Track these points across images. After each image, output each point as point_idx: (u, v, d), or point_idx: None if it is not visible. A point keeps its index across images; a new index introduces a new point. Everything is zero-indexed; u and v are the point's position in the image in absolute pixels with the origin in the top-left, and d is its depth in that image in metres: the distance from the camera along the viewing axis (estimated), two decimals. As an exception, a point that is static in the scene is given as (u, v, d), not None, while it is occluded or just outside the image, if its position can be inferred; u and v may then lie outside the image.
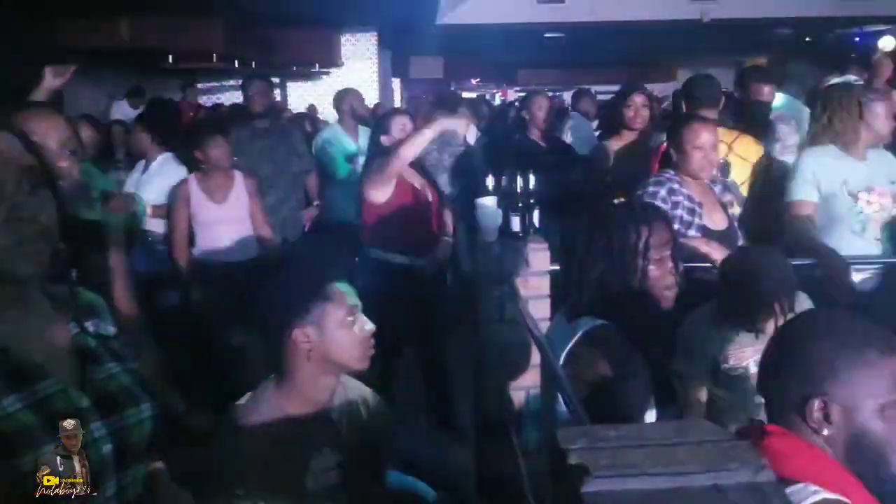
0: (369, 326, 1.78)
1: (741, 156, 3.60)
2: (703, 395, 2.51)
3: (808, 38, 12.65)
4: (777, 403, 1.37)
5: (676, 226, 2.89)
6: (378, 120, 4.17)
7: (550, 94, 9.52)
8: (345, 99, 5.20)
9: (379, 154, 3.73)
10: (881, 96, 3.31)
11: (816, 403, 1.31)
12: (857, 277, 3.12)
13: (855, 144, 3.20)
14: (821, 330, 1.35)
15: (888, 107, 3.25)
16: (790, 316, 2.39)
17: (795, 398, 1.33)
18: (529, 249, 2.80)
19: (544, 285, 2.72)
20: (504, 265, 2.80)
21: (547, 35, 12.31)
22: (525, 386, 2.68)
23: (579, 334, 1.92)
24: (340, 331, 1.73)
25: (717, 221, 3.06)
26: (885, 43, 11.66)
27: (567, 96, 13.70)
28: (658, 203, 2.90)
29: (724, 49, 14.42)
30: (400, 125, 3.73)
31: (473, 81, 16.85)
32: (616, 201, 2.95)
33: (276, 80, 9.95)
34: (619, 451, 1.16)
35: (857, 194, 3.15)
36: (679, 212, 2.93)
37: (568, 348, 1.92)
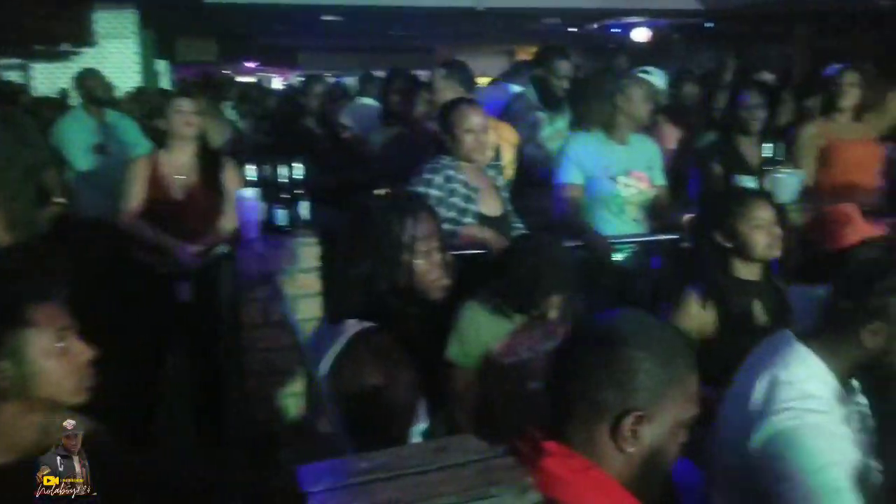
0: (86, 351, 1.48)
1: (506, 139, 3.64)
2: (474, 385, 2.47)
3: (574, 29, 13.43)
4: (579, 413, 1.23)
5: (452, 213, 2.83)
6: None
7: (335, 79, 9.28)
8: (82, 82, 4.66)
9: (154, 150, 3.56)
10: (637, 82, 3.46)
11: (631, 420, 1.20)
12: (617, 257, 3.25)
13: (615, 130, 3.31)
14: (637, 339, 1.23)
15: (644, 92, 3.39)
16: (569, 304, 2.41)
17: (609, 412, 1.21)
18: (296, 244, 2.60)
19: (314, 283, 2.53)
20: (268, 263, 2.57)
21: (324, 17, 12.01)
22: (296, 393, 2.47)
23: (345, 339, 1.75)
24: (47, 361, 1.42)
25: (493, 207, 3.04)
26: (638, 35, 12.73)
27: (351, 81, 13.50)
28: (434, 191, 2.83)
29: (498, 37, 14.97)
30: (177, 109, 3.46)
31: (250, 65, 16.11)
32: (379, 192, 2.82)
33: (17, 60, 8.84)
34: (370, 486, 1.03)
35: (616, 178, 3.26)
36: (455, 199, 2.88)
37: (333, 355, 1.75)
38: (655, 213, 3.38)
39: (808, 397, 1.61)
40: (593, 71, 4.01)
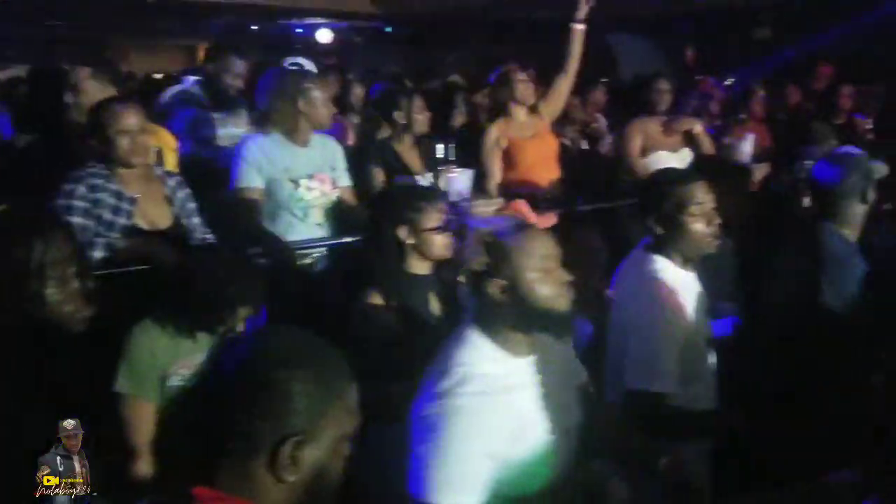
0: None
1: (165, 143, 3.39)
2: (151, 416, 2.21)
3: (254, 26, 13.10)
4: (232, 449, 1.11)
5: (99, 227, 2.54)
6: None
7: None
8: None
9: None
10: (320, 82, 3.36)
11: (289, 447, 1.10)
12: (303, 262, 3.15)
13: (296, 131, 3.20)
14: (288, 359, 1.14)
15: (326, 93, 3.32)
16: (256, 316, 2.26)
17: (264, 442, 1.10)
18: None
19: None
20: None
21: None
22: None
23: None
24: None
25: (159, 219, 2.77)
26: (322, 35, 12.82)
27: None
28: (76, 202, 2.52)
29: (172, 31, 14.10)
30: None
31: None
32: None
33: None
34: None
35: (299, 181, 3.16)
36: (101, 210, 2.57)
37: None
38: (341, 214, 3.33)
39: (469, 380, 1.65)
40: (273, 71, 3.84)
